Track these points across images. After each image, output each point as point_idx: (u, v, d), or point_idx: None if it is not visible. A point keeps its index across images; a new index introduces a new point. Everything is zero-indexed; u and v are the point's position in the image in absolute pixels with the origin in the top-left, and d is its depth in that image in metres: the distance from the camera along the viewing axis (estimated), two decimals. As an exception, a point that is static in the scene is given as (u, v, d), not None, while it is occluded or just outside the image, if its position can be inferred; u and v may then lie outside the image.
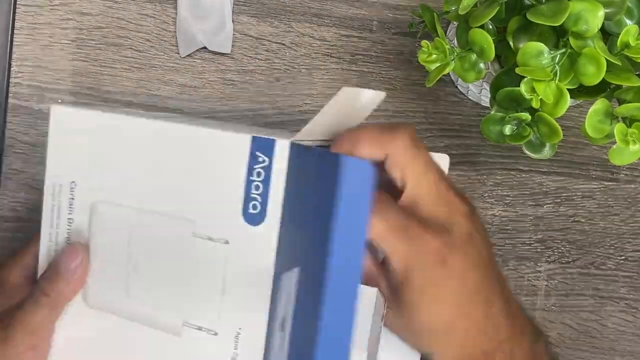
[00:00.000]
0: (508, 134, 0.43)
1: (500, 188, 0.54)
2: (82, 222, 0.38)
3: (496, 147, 0.54)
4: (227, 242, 0.35)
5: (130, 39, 0.52)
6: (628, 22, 0.41)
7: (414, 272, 0.34)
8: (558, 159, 0.55)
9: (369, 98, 0.35)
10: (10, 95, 0.51)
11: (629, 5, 0.41)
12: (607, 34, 0.41)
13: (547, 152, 0.44)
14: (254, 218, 0.34)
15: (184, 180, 0.36)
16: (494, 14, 0.40)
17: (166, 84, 0.52)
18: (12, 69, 0.51)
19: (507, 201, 0.54)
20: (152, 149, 0.37)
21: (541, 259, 0.55)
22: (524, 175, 0.55)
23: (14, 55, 0.51)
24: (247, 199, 0.34)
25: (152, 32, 0.52)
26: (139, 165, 0.37)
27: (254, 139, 0.34)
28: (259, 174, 0.34)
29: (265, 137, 0.34)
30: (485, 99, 0.52)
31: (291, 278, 0.32)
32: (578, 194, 0.55)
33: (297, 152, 0.33)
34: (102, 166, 0.38)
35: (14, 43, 0.51)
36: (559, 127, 0.40)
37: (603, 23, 0.39)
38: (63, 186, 0.39)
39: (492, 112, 0.43)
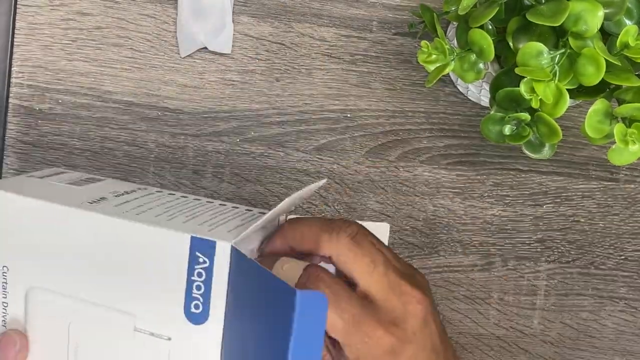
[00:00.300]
0: (508, 134, 0.43)
1: (499, 188, 0.55)
2: (18, 308, 0.38)
3: (496, 147, 0.54)
4: (169, 339, 0.35)
5: (130, 39, 0.52)
6: (627, 22, 0.41)
7: None
8: (558, 159, 0.55)
9: (309, 191, 0.36)
10: (10, 95, 0.51)
11: (628, 6, 0.41)
12: (606, 34, 0.41)
13: (546, 152, 0.44)
14: (197, 317, 0.34)
15: (124, 273, 0.35)
16: (493, 14, 0.40)
17: (166, 84, 0.52)
18: (12, 69, 0.51)
19: (507, 201, 0.55)
20: (90, 240, 0.36)
21: (541, 258, 0.55)
22: (523, 175, 0.55)
23: (14, 56, 0.51)
24: (189, 298, 0.34)
25: (152, 32, 0.52)
26: (77, 255, 0.36)
27: (193, 239, 0.33)
28: (199, 275, 0.34)
29: (206, 238, 0.33)
30: (485, 99, 0.52)
31: None
32: (578, 194, 0.55)
33: (239, 258, 0.33)
34: (39, 252, 0.37)
35: (15, 43, 0.51)
36: (559, 127, 0.41)
37: (602, 23, 0.39)
38: None
39: (492, 112, 0.43)
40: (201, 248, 0.33)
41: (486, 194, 0.54)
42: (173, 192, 0.42)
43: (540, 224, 0.55)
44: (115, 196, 0.39)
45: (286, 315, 0.28)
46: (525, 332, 0.55)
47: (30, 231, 0.37)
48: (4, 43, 0.51)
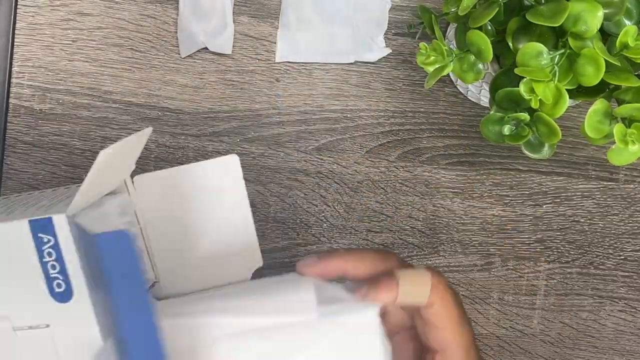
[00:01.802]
0: (507, 134, 0.43)
1: (499, 188, 0.55)
2: None
3: (495, 147, 0.54)
4: (48, 326, 0.35)
5: (130, 39, 0.52)
6: (627, 22, 0.41)
7: None
8: (557, 159, 0.55)
9: (134, 143, 0.37)
10: (11, 95, 0.51)
11: (628, 6, 0.41)
12: (606, 35, 0.41)
13: (546, 152, 0.44)
14: (63, 296, 0.34)
15: None
16: (493, 14, 0.40)
17: (167, 84, 0.52)
18: (13, 69, 0.51)
19: (507, 201, 0.55)
20: None
21: (540, 258, 0.55)
22: (523, 175, 0.55)
23: (14, 56, 0.51)
24: (49, 279, 0.34)
25: (152, 32, 0.52)
26: None
27: (31, 222, 0.34)
28: (49, 254, 0.34)
29: (42, 217, 0.34)
30: (484, 99, 0.52)
31: (110, 349, 0.33)
32: (577, 194, 0.55)
33: (77, 227, 0.34)
34: None
35: (15, 43, 0.51)
36: (558, 128, 0.41)
37: (602, 24, 0.39)
38: None
39: (492, 113, 0.43)
40: (41, 228, 0.34)
41: (486, 194, 0.54)
42: (31, 193, 0.43)
43: (540, 224, 0.55)
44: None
45: (100, 258, 0.29)
46: (525, 332, 0.55)
47: None
48: (5, 43, 0.51)
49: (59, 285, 0.34)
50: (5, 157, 0.51)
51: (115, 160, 0.36)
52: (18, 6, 0.51)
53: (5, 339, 0.36)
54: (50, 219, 0.34)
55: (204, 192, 0.41)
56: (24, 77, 0.51)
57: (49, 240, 0.34)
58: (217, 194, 0.41)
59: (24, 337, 0.36)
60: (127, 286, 0.29)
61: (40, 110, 0.51)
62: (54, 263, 0.34)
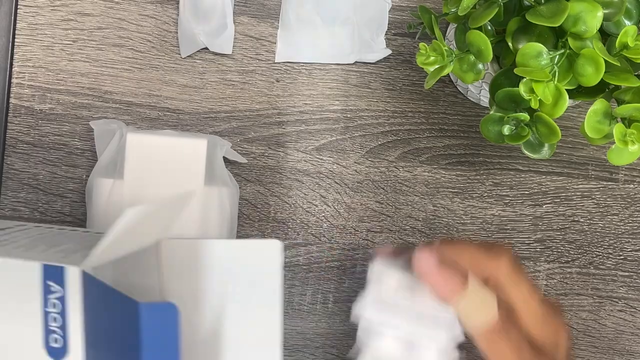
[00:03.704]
0: (507, 134, 0.43)
1: (499, 188, 0.55)
2: None
3: (495, 147, 0.54)
4: None
5: (131, 39, 0.52)
6: (627, 22, 0.41)
7: None
8: (557, 159, 0.55)
9: (173, 204, 0.34)
10: (11, 95, 0.51)
11: (627, 6, 0.41)
12: (606, 35, 0.42)
13: (545, 152, 0.44)
14: (57, 352, 0.33)
15: None
16: (493, 15, 0.40)
17: (167, 84, 0.52)
18: (13, 69, 0.51)
19: (507, 201, 0.55)
20: None
21: (540, 258, 0.55)
22: (523, 175, 0.55)
23: (15, 56, 0.51)
24: (47, 331, 0.33)
25: (152, 32, 0.52)
26: None
27: (44, 267, 0.32)
28: (54, 305, 0.32)
29: (56, 264, 0.32)
30: (484, 100, 0.53)
31: None
32: (577, 194, 0.55)
33: (91, 282, 0.32)
34: None
35: (15, 44, 0.51)
36: (558, 128, 0.41)
37: (602, 24, 0.39)
38: None
39: (491, 113, 0.43)
40: (52, 276, 0.32)
41: (486, 194, 0.55)
42: (51, 227, 0.41)
43: (540, 223, 0.55)
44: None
45: (134, 329, 0.27)
46: (525, 331, 0.55)
47: None
48: (5, 43, 0.51)
49: (55, 340, 0.33)
50: (5, 157, 0.51)
51: (146, 220, 0.33)
52: (18, 6, 0.51)
53: None
54: (63, 268, 0.32)
55: (236, 270, 0.39)
56: (24, 77, 0.51)
57: (57, 291, 0.32)
58: (249, 276, 0.39)
59: None
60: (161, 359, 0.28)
61: (41, 110, 0.51)
62: (57, 316, 0.32)
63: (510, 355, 0.37)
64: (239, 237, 0.52)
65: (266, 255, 0.38)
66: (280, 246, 0.38)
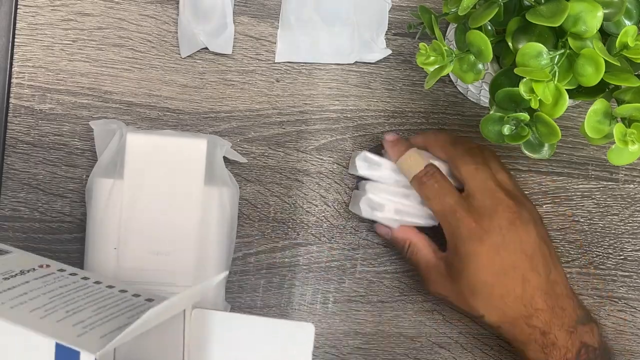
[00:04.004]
0: (507, 134, 0.43)
1: (499, 188, 0.55)
2: None
3: (495, 147, 0.54)
4: None
5: (131, 39, 0.52)
6: (627, 22, 0.41)
7: (457, 244, 0.47)
8: (557, 159, 0.55)
9: (191, 296, 0.34)
10: (11, 95, 0.51)
11: (627, 6, 0.41)
12: (606, 35, 0.42)
13: (546, 152, 0.44)
14: None
15: None
16: (493, 15, 0.40)
17: (167, 84, 0.52)
18: (13, 69, 0.51)
19: (507, 201, 0.55)
20: None
21: (540, 258, 0.55)
22: (523, 175, 0.55)
23: (15, 56, 0.51)
24: None
25: (152, 32, 0.52)
26: None
27: (58, 347, 0.31)
28: None
29: (71, 347, 0.31)
30: (484, 99, 0.52)
31: None
32: (577, 193, 0.55)
33: None
34: None
35: (15, 44, 0.51)
36: (558, 128, 0.41)
37: (602, 24, 0.39)
38: None
39: (491, 112, 0.43)
40: (66, 356, 0.31)
41: (486, 194, 0.54)
42: (75, 272, 0.40)
43: (540, 223, 0.55)
44: (4, 279, 0.36)
45: None
46: (525, 331, 0.55)
47: None
48: (5, 43, 0.51)
49: None
50: (5, 157, 0.51)
51: (166, 313, 0.32)
52: (18, 6, 0.51)
53: None
54: (78, 353, 0.31)
55: (267, 349, 0.38)
56: (24, 77, 0.51)
57: None
58: (279, 356, 0.38)
59: None
60: None
61: (41, 110, 0.51)
62: None
63: (436, 192, 0.48)
64: (238, 237, 0.52)
65: (298, 338, 0.37)
66: (312, 330, 0.37)
